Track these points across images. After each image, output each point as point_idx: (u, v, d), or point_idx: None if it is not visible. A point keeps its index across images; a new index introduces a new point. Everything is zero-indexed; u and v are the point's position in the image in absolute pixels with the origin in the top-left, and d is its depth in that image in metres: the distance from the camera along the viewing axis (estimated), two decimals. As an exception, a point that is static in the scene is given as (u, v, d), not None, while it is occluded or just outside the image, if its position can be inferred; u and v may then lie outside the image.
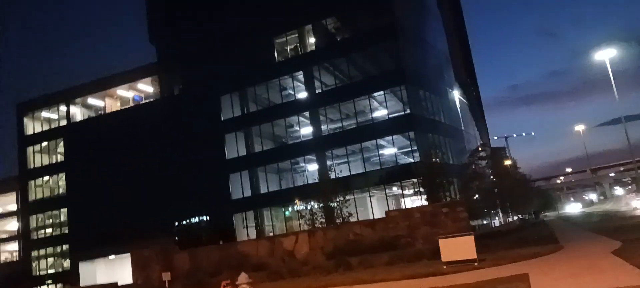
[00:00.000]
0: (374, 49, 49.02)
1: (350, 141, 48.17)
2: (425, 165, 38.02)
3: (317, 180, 41.81)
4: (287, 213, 51.25)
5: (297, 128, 52.05)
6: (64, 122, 63.10)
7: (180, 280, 31.47)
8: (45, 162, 63.66)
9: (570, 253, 20.37)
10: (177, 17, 58.21)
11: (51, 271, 60.85)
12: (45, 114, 64.80)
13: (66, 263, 59.41)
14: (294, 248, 29.90)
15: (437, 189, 36.25)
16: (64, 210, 61.35)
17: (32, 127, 64.91)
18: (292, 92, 52.38)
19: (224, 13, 55.13)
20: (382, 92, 47.64)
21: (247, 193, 51.31)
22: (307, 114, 50.63)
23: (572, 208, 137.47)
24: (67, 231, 60.23)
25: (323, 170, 45.17)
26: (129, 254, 36.48)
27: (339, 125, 49.74)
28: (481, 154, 54.09)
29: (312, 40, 52.44)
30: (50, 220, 62.82)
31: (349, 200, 36.66)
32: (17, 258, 70.63)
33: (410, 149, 47.61)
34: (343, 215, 33.96)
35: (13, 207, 72.82)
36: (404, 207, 43.55)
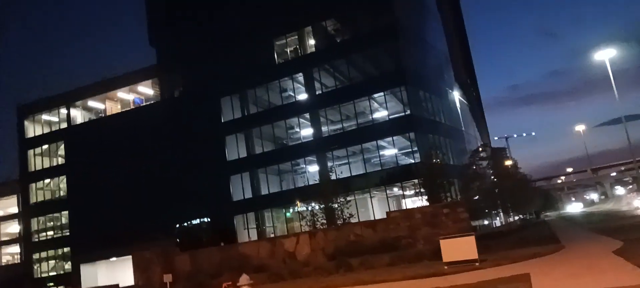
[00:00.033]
0: (374, 50, 49.02)
1: (350, 142, 48.18)
2: (426, 165, 38.02)
3: (317, 182, 41.82)
4: (288, 214, 51.26)
5: (298, 129, 52.06)
6: (64, 125, 63.10)
7: (181, 281, 31.47)
8: (46, 164, 63.67)
9: (572, 253, 20.37)
10: (177, 19, 58.24)
11: (52, 273, 60.87)
12: (45, 116, 64.84)
13: (67, 266, 59.41)
14: (295, 250, 29.89)
15: (438, 190, 36.23)
16: (65, 213, 61.38)
17: (32, 129, 64.94)
18: (292, 94, 52.39)
19: (224, 15, 55.16)
20: (382, 93, 47.65)
21: (248, 194, 51.31)
22: (307, 115, 50.64)
23: (573, 208, 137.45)
24: (68, 233, 60.27)
25: (324, 171, 45.17)
26: (130, 256, 36.48)
27: (339, 126, 49.76)
28: (482, 154, 54.10)
29: (311, 41, 52.46)
30: (52, 223, 62.85)
31: (349, 201, 36.65)
32: (19, 261, 70.59)
33: (410, 150, 47.60)
34: (344, 216, 33.96)
35: (14, 209, 72.80)
36: (404, 208, 43.53)
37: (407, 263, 23.72)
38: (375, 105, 49.16)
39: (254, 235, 49.81)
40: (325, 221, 33.98)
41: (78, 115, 64.02)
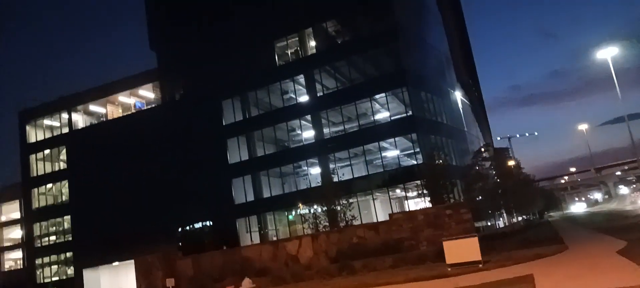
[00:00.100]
0: (375, 51, 48.91)
1: (352, 144, 48.06)
2: (428, 166, 37.81)
3: (319, 184, 41.67)
4: (290, 217, 51.13)
5: (299, 131, 51.97)
6: (66, 130, 63.11)
7: (183, 286, 31.40)
8: (48, 169, 63.69)
9: (575, 254, 20.23)
10: (177, 22, 58.23)
11: (55, 279, 60.80)
12: (47, 121, 64.89)
13: (70, 271, 59.34)
14: (297, 253, 29.78)
15: (441, 191, 36.01)
16: (67, 218, 61.39)
17: (34, 134, 64.98)
18: (294, 96, 52.31)
19: (224, 18, 55.13)
20: (383, 94, 47.53)
21: (250, 197, 51.21)
22: (308, 117, 50.54)
23: (577, 208, 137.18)
24: (70, 238, 60.22)
25: (326, 174, 45.05)
26: (132, 261, 36.42)
27: (341, 128, 49.67)
28: (484, 155, 53.88)
29: (312, 43, 52.38)
30: (54, 228, 62.84)
31: (352, 203, 36.48)
32: (21, 266, 70.68)
33: (413, 151, 47.44)
34: (346, 219, 33.80)
35: (17, 215, 72.93)
36: (407, 210, 43.38)
37: (410, 265, 23.58)
38: (377, 106, 49.04)
39: (256, 239, 49.69)
40: (327, 223, 33.80)
41: (79, 120, 64.05)
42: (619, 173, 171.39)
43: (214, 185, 51.96)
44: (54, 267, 61.42)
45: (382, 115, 49.25)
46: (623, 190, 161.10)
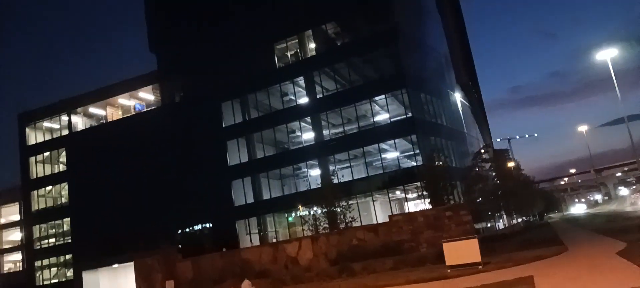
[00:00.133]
0: (375, 53, 48.94)
1: (352, 146, 48.06)
2: (428, 168, 37.81)
3: (319, 186, 41.63)
4: (290, 219, 51.11)
5: (299, 133, 51.96)
6: (65, 132, 63.12)
7: (183, 288, 31.35)
8: (48, 171, 63.68)
9: (575, 255, 20.22)
10: (177, 25, 58.26)
11: (54, 281, 60.74)
12: (46, 123, 64.90)
13: (69, 273, 59.26)
14: (297, 255, 29.74)
15: (441, 192, 36.00)
16: (66, 220, 61.35)
17: (34, 137, 64.98)
18: (293, 98, 52.32)
19: (224, 20, 55.16)
20: (383, 96, 47.56)
21: (250, 199, 51.20)
22: (308, 119, 50.55)
23: (577, 209, 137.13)
24: (70, 240, 60.21)
25: (325, 175, 45.04)
26: (132, 263, 36.37)
27: (340, 130, 49.66)
28: (484, 156, 53.84)
29: (312, 45, 52.42)
30: (53, 230, 62.80)
31: (351, 205, 36.49)
32: (21, 269, 70.61)
33: (412, 153, 47.43)
34: (346, 220, 33.79)
35: (16, 217, 72.89)
36: (407, 211, 43.32)
37: (410, 267, 23.54)
38: (377, 108, 49.05)
39: (256, 241, 49.67)
40: (327, 225, 33.79)
41: (79, 122, 64.04)
42: (619, 174, 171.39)
43: (213, 187, 51.94)
44: (54, 269, 61.36)
45: (382, 117, 49.26)
46: (623, 191, 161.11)
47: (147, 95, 61.46)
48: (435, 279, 18.40)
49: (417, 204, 45.98)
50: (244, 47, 53.09)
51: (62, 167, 63.11)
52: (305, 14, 51.14)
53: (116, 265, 53.10)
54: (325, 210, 34.38)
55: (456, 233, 24.31)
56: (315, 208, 36.91)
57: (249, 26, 53.37)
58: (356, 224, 35.37)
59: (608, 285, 12.81)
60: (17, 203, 70.33)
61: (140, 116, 59.90)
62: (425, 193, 37.90)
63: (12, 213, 74.68)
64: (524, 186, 59.06)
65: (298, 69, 51.89)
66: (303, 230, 40.65)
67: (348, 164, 48.60)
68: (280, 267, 29.60)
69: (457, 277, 18.00)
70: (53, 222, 62.69)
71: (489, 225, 53.43)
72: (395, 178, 46.15)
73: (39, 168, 63.94)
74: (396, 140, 47.15)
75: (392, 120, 47.91)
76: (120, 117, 62.04)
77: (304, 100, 51.47)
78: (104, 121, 62.98)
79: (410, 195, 47.71)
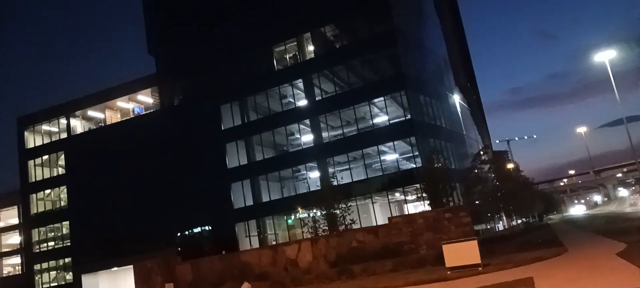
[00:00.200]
0: (373, 55, 48.97)
1: (351, 148, 48.06)
2: (428, 170, 37.82)
3: (319, 188, 41.57)
4: (289, 221, 51.07)
5: (298, 136, 51.94)
6: (64, 135, 63.10)
7: (182, 291, 31.26)
8: (47, 175, 63.63)
9: (575, 256, 20.19)
10: (176, 27, 58.29)
11: (54, 284, 60.66)
12: (45, 127, 64.86)
13: (69, 276, 59.21)
14: (296, 257, 29.67)
15: (440, 194, 36.02)
16: (65, 223, 61.30)
17: (32, 140, 64.95)
18: (292, 100, 52.34)
19: (223, 22, 55.20)
20: (382, 98, 47.58)
21: (249, 202, 51.16)
22: (307, 121, 50.56)
23: (576, 210, 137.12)
24: (69, 244, 60.16)
25: (325, 178, 45.01)
26: (131, 266, 36.28)
27: (339, 132, 49.66)
28: (483, 158, 53.86)
29: (311, 47, 52.46)
30: (53, 233, 62.72)
31: (351, 207, 36.46)
32: (20, 272, 70.42)
33: (411, 155, 47.44)
34: (346, 223, 33.75)
35: (15, 220, 72.72)
36: (406, 213, 43.31)
37: (410, 269, 23.48)
38: (376, 110, 49.07)
39: (255, 243, 49.65)
40: (326, 227, 33.77)
41: (78, 125, 64.03)
42: (619, 175, 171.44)
43: (212, 190, 51.90)
44: (53, 273, 61.29)
45: (381, 119, 49.27)
46: (622, 192, 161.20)
47: (145, 98, 61.46)
48: (435, 281, 18.35)
49: (417, 206, 45.98)
50: (242, 49, 53.14)
51: (61, 171, 63.06)
52: (303, 16, 51.19)
53: (115, 268, 53.09)
54: (325, 212, 34.36)
55: (456, 235, 24.26)
56: (314, 211, 36.90)
57: (248, 29, 53.41)
58: (356, 226, 35.37)
59: (608, 286, 12.79)
60: (16, 206, 70.17)
61: (139, 119, 59.88)
62: (424, 195, 37.91)
63: (11, 216, 74.48)
64: (523, 187, 59.05)
65: (297, 71, 51.92)
66: (302, 232, 40.59)
67: (347, 166, 48.57)
68: (279, 269, 29.53)
69: (457, 279, 17.97)
70: (52, 225, 62.62)
71: (488, 226, 53.44)
72: (395, 180, 46.14)
73: (38, 171, 63.90)
74: (395, 142, 47.14)
75: (391, 122, 47.91)
76: (119, 120, 62.01)
77: (302, 102, 51.47)
78: (103, 124, 62.94)
79: (409, 197, 47.70)
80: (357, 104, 47.92)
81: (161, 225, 50.91)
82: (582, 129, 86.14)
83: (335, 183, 38.40)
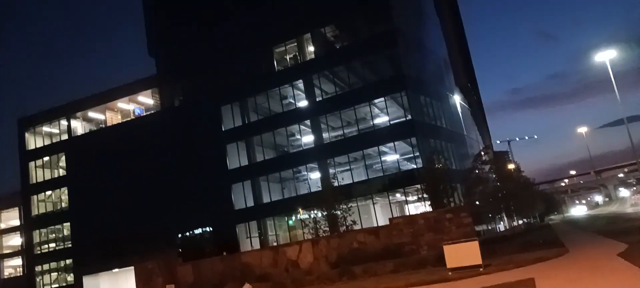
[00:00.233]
0: (374, 56, 48.95)
1: (352, 148, 48.04)
2: (428, 171, 37.79)
3: (319, 189, 41.54)
4: (290, 222, 51.04)
5: (299, 136, 51.94)
6: (65, 136, 63.07)
7: (183, 292, 31.26)
8: (48, 176, 63.60)
9: (576, 257, 20.18)
10: (176, 28, 58.30)
11: (55, 286, 60.66)
12: (46, 128, 64.84)
13: (70, 278, 59.18)
14: (297, 258, 29.67)
15: (441, 195, 35.99)
16: (66, 225, 61.29)
17: (33, 141, 64.94)
18: (293, 101, 52.34)
19: (223, 23, 55.21)
20: (382, 99, 47.56)
21: (250, 203, 51.14)
22: (308, 122, 50.55)
23: (578, 211, 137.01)
24: (70, 245, 60.11)
25: (325, 178, 44.96)
26: (132, 267, 36.29)
27: (340, 132, 49.64)
28: (484, 158, 53.81)
29: (311, 48, 52.45)
30: (53, 235, 62.72)
31: (352, 207, 36.44)
32: (21, 274, 70.46)
33: (412, 155, 47.43)
34: (346, 223, 33.74)
35: (16, 222, 72.75)
36: (407, 214, 43.30)
37: (411, 269, 23.48)
38: (376, 110, 49.05)
39: (256, 244, 49.59)
40: (327, 228, 33.76)
41: (78, 127, 64.02)
42: (621, 175, 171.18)
43: (213, 191, 51.88)
44: (54, 274, 61.29)
45: (382, 120, 49.25)
46: (623, 192, 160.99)
47: (146, 99, 61.46)
48: (436, 282, 18.34)
49: (418, 207, 45.95)
50: (242, 50, 53.15)
51: (62, 172, 63.06)
52: (304, 17, 51.19)
53: (117, 270, 52.99)
54: (326, 213, 34.36)
55: (457, 236, 24.25)
56: (315, 212, 36.88)
57: (248, 29, 53.41)
58: (357, 227, 35.35)
59: (609, 287, 12.77)
60: (17, 208, 70.19)
61: (140, 120, 59.88)
62: (425, 195, 37.89)
63: (12, 218, 74.54)
64: (524, 188, 58.96)
65: (297, 72, 51.92)
66: (303, 233, 40.62)
67: (348, 167, 48.55)
68: (280, 270, 29.53)
69: (458, 280, 17.96)
70: (53, 227, 62.61)
71: (489, 227, 53.38)
72: (396, 181, 46.10)
73: (38, 173, 63.87)
74: (396, 143, 47.11)
75: (391, 122, 47.89)
76: (120, 121, 62.02)
77: (303, 103, 51.47)
78: (104, 125, 62.94)
79: (410, 198, 47.66)
80: (357, 104, 47.92)
81: (162, 226, 50.90)
82: (582, 129, 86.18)
83: (336, 184, 38.42)
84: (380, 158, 47.44)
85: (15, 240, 74.47)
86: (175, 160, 54.02)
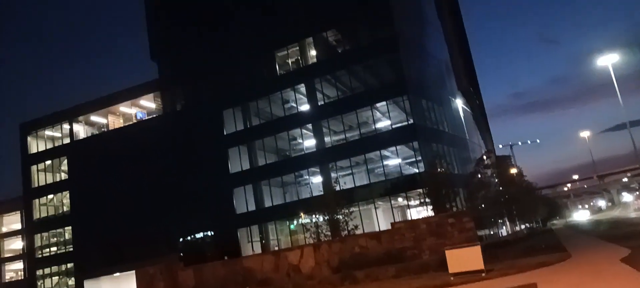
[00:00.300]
0: (375, 60, 48.95)
1: (354, 152, 47.97)
2: (430, 175, 37.73)
3: (321, 193, 41.50)
4: (291, 227, 50.96)
5: (300, 140, 51.91)
6: (67, 140, 63.13)
7: (184, 296, 31.16)
8: (49, 180, 63.64)
9: (579, 262, 20.06)
10: (178, 33, 58.41)
11: (56, 290, 60.58)
12: (48, 132, 64.94)
13: (71, 282, 59.14)
14: (299, 263, 29.54)
15: (443, 199, 35.91)
16: (68, 229, 61.26)
17: (35, 145, 65.00)
18: (295, 105, 52.32)
19: (225, 28, 55.29)
20: (384, 103, 47.51)
21: (252, 207, 51.07)
22: (309, 126, 50.51)
23: (580, 215, 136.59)
24: (71, 249, 60.04)
25: (327, 183, 44.90)
26: (133, 271, 36.20)
27: (342, 136, 49.60)
28: (486, 163, 53.73)
29: (313, 52, 52.48)
30: (55, 239, 62.71)
31: (354, 212, 36.37)
32: (22, 277, 70.49)
33: (414, 159, 47.33)
34: (348, 228, 33.66)
35: (18, 226, 72.84)
36: (409, 218, 43.20)
37: (413, 274, 23.37)
38: (378, 114, 49.00)
39: (257, 249, 49.50)
40: (329, 233, 33.68)
41: (81, 130, 64.05)
42: (625, 180, 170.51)
43: (215, 195, 51.84)
44: (55, 278, 61.23)
45: (383, 124, 49.19)
46: (626, 197, 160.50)
47: (148, 103, 61.52)
48: (438, 287, 18.26)
49: (420, 211, 45.79)
50: (244, 54, 53.21)
51: (64, 176, 63.10)
52: (305, 21, 51.23)
53: (118, 274, 53.04)
54: (327, 217, 34.27)
55: (459, 241, 24.13)
56: (317, 216, 36.81)
57: (250, 34, 53.45)
58: (358, 232, 35.23)
59: (612, 292, 12.68)
60: (19, 211, 70.26)
61: (142, 124, 59.91)
62: (427, 200, 37.78)
63: (14, 222, 74.63)
64: (526, 192, 58.91)
65: (299, 76, 51.94)
66: (305, 237, 40.54)
67: (350, 171, 48.48)
68: (282, 275, 29.42)
69: (460, 285, 17.86)
70: (54, 231, 62.60)
71: (492, 232, 53.23)
72: (397, 185, 46.03)
73: (40, 176, 63.92)
74: (398, 147, 47.06)
75: (393, 126, 47.84)
76: (122, 125, 62.06)
77: (305, 107, 51.46)
78: (106, 129, 63.01)
79: (412, 202, 47.54)
80: (359, 108, 47.89)
81: (164, 230, 50.88)
82: (585, 133, 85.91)
83: (337, 188, 38.36)
84: (382, 163, 47.38)
85: (17, 244, 74.57)
86: (176, 164, 54.00)
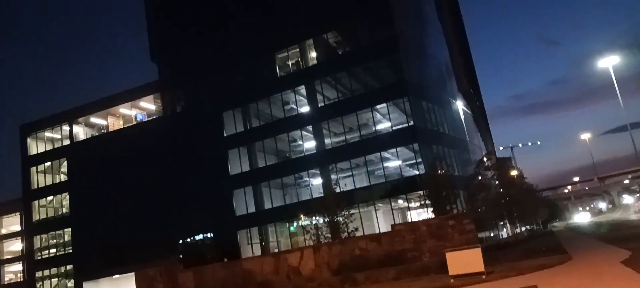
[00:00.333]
0: (376, 62, 48.91)
1: (354, 154, 47.90)
2: (431, 177, 37.66)
3: (321, 195, 41.38)
4: (291, 229, 50.87)
5: (301, 142, 51.85)
6: (67, 142, 63.07)
7: (184, 298, 31.08)
8: (49, 182, 63.56)
9: (579, 264, 20.00)
10: (178, 35, 58.44)
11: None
12: (48, 134, 64.88)
13: (70, 284, 59.04)
14: (299, 265, 29.47)
15: (443, 201, 35.81)
16: (67, 230, 61.16)
17: (35, 147, 64.94)
18: (295, 107, 52.26)
19: (225, 29, 55.29)
20: (384, 105, 47.46)
21: (251, 209, 50.99)
22: (310, 128, 50.46)
23: (581, 217, 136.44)
24: (71, 251, 59.98)
25: (327, 184, 44.87)
26: (133, 273, 36.13)
27: (342, 138, 49.54)
28: (487, 165, 53.61)
29: (313, 54, 52.45)
30: (54, 240, 62.59)
31: (354, 214, 36.27)
32: (21, 279, 70.39)
33: (414, 161, 47.26)
34: (348, 230, 33.56)
35: (17, 227, 72.78)
36: (409, 220, 43.10)
37: (413, 276, 23.28)
38: (378, 116, 48.94)
39: (257, 250, 49.42)
40: (329, 235, 33.58)
41: (80, 132, 64.00)
42: (626, 182, 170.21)
43: (215, 197, 51.77)
44: (54, 280, 61.10)
45: (384, 126, 49.14)
46: (627, 199, 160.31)
47: (148, 105, 61.48)
48: (438, 289, 18.19)
49: (420, 213, 45.73)
50: (245, 56, 53.19)
51: (64, 177, 63.02)
52: (306, 23, 51.21)
53: (117, 276, 52.94)
54: (327, 219, 34.17)
55: (459, 243, 24.06)
56: (317, 218, 36.71)
57: (251, 35, 53.46)
58: (358, 234, 35.13)
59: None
60: (19, 213, 70.19)
61: (142, 125, 59.86)
62: (427, 202, 37.68)
63: (13, 223, 74.57)
64: (527, 194, 58.76)
65: (299, 77, 51.89)
66: (305, 240, 40.46)
67: (350, 173, 48.40)
68: (282, 277, 29.34)
69: (461, 287, 17.80)
70: (54, 232, 62.50)
71: (492, 234, 53.11)
72: (398, 187, 45.96)
73: (40, 178, 63.84)
74: (398, 149, 47.00)
75: (393, 128, 47.78)
76: (122, 127, 62.00)
77: (305, 109, 51.40)
78: (105, 131, 62.95)
79: (412, 204, 47.43)
80: (359, 110, 47.84)
81: (163, 232, 50.78)
82: (586, 135, 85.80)
83: (337, 190, 38.25)
84: (382, 165, 47.30)
85: (16, 246, 74.49)
86: (176, 165, 53.91)
